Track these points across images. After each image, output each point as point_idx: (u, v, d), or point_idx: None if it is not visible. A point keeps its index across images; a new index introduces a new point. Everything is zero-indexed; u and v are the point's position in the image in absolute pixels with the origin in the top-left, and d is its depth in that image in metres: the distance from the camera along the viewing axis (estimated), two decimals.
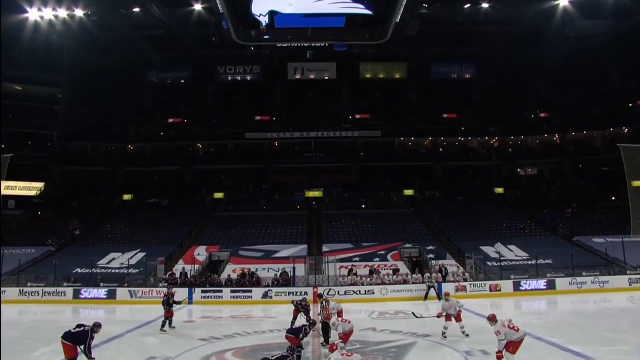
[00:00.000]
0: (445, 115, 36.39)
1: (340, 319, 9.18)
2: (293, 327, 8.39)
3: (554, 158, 35.16)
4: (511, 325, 6.70)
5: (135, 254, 23.43)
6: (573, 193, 31.01)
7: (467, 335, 10.09)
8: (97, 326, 7.24)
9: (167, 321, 11.88)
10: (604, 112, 33.52)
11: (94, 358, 6.86)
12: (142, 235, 27.05)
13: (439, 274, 19.27)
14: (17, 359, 8.10)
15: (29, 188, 31.29)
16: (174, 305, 12.05)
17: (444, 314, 10.41)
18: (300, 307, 11.47)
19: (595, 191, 30.16)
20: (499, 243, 24.04)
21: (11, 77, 29.28)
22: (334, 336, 8.48)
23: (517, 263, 21.56)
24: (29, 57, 27.22)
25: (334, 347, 6.24)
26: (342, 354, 5.62)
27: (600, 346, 8.60)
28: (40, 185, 31.99)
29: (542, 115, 36.85)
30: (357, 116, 36.70)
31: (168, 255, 23.28)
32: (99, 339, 10.14)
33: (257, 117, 36.61)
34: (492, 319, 6.88)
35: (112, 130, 36.05)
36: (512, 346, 6.55)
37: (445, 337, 10.07)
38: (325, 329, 9.49)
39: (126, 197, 32.40)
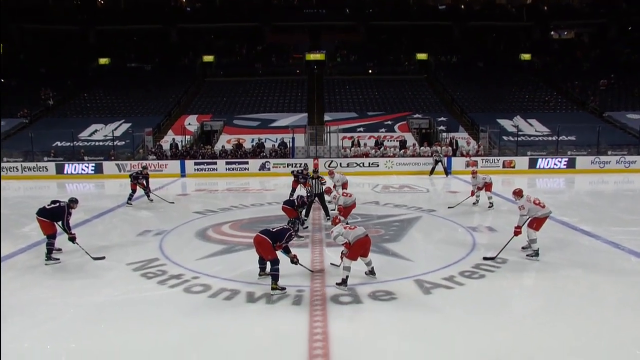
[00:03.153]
0: None
1: (343, 192, 8.87)
2: (298, 197, 8.07)
3: (598, 19, 31.29)
4: (537, 202, 6.40)
5: (120, 125, 22.42)
6: (613, 61, 28.19)
7: (492, 205, 10.12)
8: (73, 202, 6.66)
9: (148, 194, 11.76)
10: None
11: (73, 234, 6.50)
12: (125, 104, 25.60)
13: (449, 148, 18.74)
14: (6, 235, 7.95)
15: None
16: (147, 191, 11.72)
17: (475, 190, 10.39)
18: (300, 177, 11.09)
19: None
20: (518, 116, 22.91)
21: None
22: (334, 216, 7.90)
23: (537, 139, 20.73)
24: None
25: (337, 220, 6.15)
26: (345, 227, 5.49)
27: (612, 226, 8.34)
28: None
29: None
30: None
31: (156, 126, 22.39)
32: (90, 214, 10.01)
33: None
34: (518, 193, 6.58)
35: None
36: (537, 222, 6.41)
37: (476, 203, 10.44)
38: (323, 202, 9.26)
39: (102, 61, 29.82)
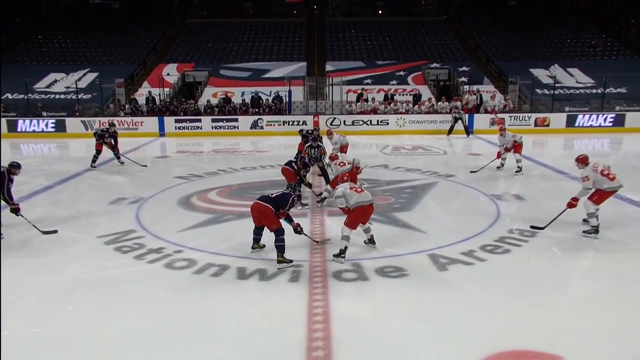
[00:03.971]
0: None
1: (339, 157, 8.60)
2: (300, 158, 8.12)
3: None
4: (605, 172, 6.15)
5: (85, 74, 22.13)
6: None
7: (520, 169, 10.07)
8: (14, 167, 6.58)
9: (117, 155, 11.79)
10: None
11: (16, 205, 6.45)
12: (90, 49, 25.14)
13: (472, 102, 18.54)
14: None
15: None
16: (115, 152, 11.71)
17: (503, 151, 10.35)
18: (311, 139, 10.79)
19: None
20: (556, 65, 22.55)
21: None
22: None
23: (577, 92, 20.48)
24: None
25: (344, 178, 6.41)
26: (351, 188, 5.55)
27: None
28: None
29: None
30: None
31: (128, 77, 22.13)
32: (52, 179, 9.98)
33: None
34: (582, 160, 6.25)
35: None
36: (599, 195, 6.15)
37: (500, 167, 10.43)
38: (322, 168, 9.29)
39: None
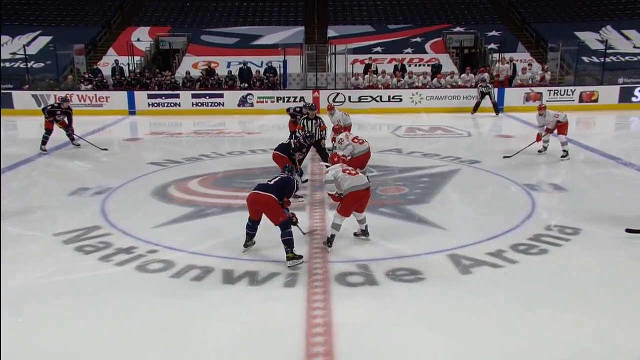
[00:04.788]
0: None
1: (344, 137, 8.54)
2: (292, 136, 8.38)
3: None
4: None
5: (35, 38, 22.19)
6: None
7: (566, 154, 10.12)
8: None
9: (71, 136, 11.91)
10: None
11: None
12: (41, 8, 25.00)
13: (503, 74, 18.60)
14: None
15: None
16: (68, 132, 11.86)
17: (543, 133, 10.42)
18: (300, 117, 10.82)
19: None
20: (609, 27, 22.50)
21: None
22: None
23: (634, 59, 20.35)
24: None
25: (335, 159, 6.51)
26: (344, 170, 5.69)
27: None
28: None
29: None
30: None
31: (90, 42, 22.12)
32: None
33: None
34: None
35: None
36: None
37: (542, 151, 10.60)
38: (322, 149, 9.40)
39: None
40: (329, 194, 5.70)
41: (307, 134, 8.63)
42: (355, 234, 5.91)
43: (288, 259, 5.21)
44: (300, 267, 5.23)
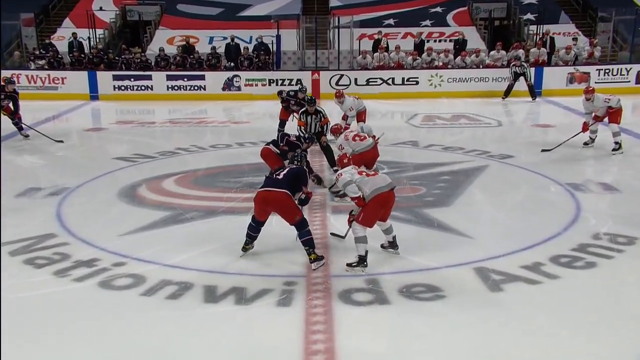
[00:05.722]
0: None
1: (355, 130, 8.72)
2: (280, 135, 8.28)
3: None
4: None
5: None
6: None
7: (619, 147, 10.12)
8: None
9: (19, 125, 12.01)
10: None
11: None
12: None
13: (541, 50, 18.47)
14: None
15: None
16: (15, 120, 11.94)
17: (591, 122, 10.34)
18: (293, 103, 11.11)
19: None
20: None
21: None
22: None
23: None
24: None
25: (344, 160, 6.76)
26: (359, 172, 5.71)
27: None
28: None
29: None
30: None
31: (41, 10, 22.05)
32: None
33: None
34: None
35: None
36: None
37: (589, 143, 10.59)
38: (326, 146, 9.40)
39: None
40: (351, 199, 5.62)
41: (307, 136, 8.58)
42: (382, 247, 5.87)
43: (312, 260, 5.41)
44: (296, 282, 5.24)
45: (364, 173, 5.66)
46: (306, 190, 5.73)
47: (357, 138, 8.08)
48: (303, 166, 5.94)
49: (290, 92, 11.28)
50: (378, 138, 8.40)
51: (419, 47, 19.38)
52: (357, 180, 5.55)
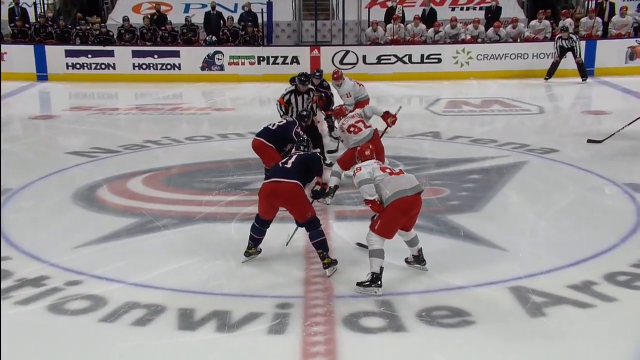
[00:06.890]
0: None
1: (355, 118, 8.64)
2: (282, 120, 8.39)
3: None
4: None
5: None
6: None
7: None
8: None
9: None
10: None
11: None
12: None
13: (596, 20, 18.41)
14: None
15: None
16: None
17: None
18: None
19: None
20: None
21: None
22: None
23: None
24: None
25: (365, 152, 6.34)
26: (382, 168, 5.73)
27: None
28: None
29: None
30: None
31: None
32: None
33: None
34: None
35: None
36: None
37: None
38: (316, 137, 9.44)
39: None
40: (366, 202, 5.57)
41: (303, 112, 8.68)
42: (407, 262, 5.88)
43: (326, 265, 5.58)
44: (291, 303, 5.26)
45: (387, 170, 5.67)
46: (320, 180, 5.82)
47: (352, 129, 8.08)
48: (308, 149, 6.11)
49: (303, 75, 11.23)
50: (395, 113, 8.51)
51: (429, 18, 19.24)
52: (377, 179, 5.52)
